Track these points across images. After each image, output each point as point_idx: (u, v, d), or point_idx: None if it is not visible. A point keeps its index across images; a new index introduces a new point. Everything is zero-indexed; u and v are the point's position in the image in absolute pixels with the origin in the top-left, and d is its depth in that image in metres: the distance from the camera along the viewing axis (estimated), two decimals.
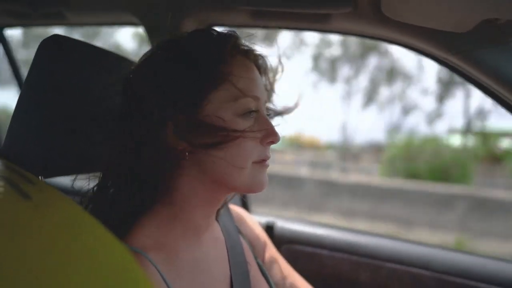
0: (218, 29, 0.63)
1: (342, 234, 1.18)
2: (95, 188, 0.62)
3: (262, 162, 0.61)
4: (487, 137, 12.65)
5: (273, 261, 0.82)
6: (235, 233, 0.75)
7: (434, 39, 0.81)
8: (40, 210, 0.41)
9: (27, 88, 0.64)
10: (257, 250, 0.80)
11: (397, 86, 15.61)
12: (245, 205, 1.30)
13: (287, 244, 1.16)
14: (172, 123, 0.57)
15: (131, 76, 0.64)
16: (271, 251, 0.84)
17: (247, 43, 0.63)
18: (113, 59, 0.79)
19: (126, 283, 0.35)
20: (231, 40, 0.61)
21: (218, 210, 0.70)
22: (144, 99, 0.58)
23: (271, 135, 0.60)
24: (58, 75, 0.65)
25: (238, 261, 0.69)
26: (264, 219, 1.23)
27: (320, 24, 0.93)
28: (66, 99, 0.66)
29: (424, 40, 0.82)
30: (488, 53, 0.78)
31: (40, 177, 0.62)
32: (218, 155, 0.56)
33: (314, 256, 1.14)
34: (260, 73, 0.66)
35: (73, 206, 0.42)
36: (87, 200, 0.62)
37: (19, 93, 0.66)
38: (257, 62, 0.65)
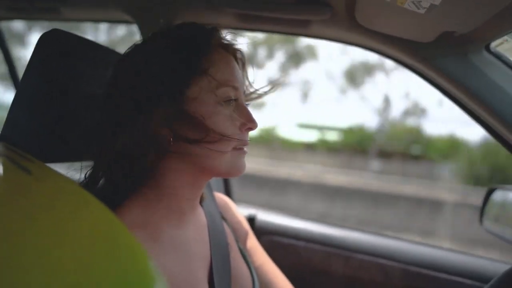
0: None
1: (317, 227, 1.25)
2: (87, 174, 0.67)
3: (241, 148, 0.66)
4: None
5: (252, 248, 0.87)
6: (218, 218, 0.80)
7: (402, 47, 0.89)
8: (41, 182, 0.45)
9: (26, 79, 0.68)
10: (239, 236, 0.85)
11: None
12: (229, 194, 1.37)
13: (267, 235, 1.23)
14: (158, 110, 0.60)
15: (119, 63, 0.68)
16: (252, 240, 0.89)
17: (227, 38, 0.69)
18: (109, 54, 0.84)
19: (121, 249, 0.38)
20: (214, 34, 0.66)
21: (202, 195, 0.75)
22: (131, 86, 0.62)
23: (249, 122, 0.66)
24: (56, 67, 0.69)
25: (219, 243, 0.74)
26: (246, 211, 1.29)
27: (300, 29, 1.00)
28: (63, 91, 0.70)
29: (394, 47, 0.90)
30: (449, 62, 0.86)
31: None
32: (197, 146, 0.61)
33: (291, 247, 1.21)
34: (238, 65, 0.71)
35: (69, 181, 0.47)
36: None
37: (19, 82, 0.70)
38: (235, 56, 0.70)
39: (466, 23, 0.73)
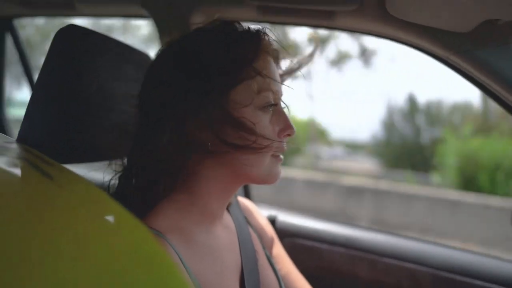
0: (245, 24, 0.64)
1: (340, 229, 1.20)
2: (118, 175, 0.65)
3: (278, 155, 0.63)
4: None
5: (278, 255, 0.84)
6: (245, 223, 0.77)
7: (436, 39, 0.83)
8: (63, 188, 0.42)
9: (43, 76, 0.66)
10: (265, 242, 0.82)
11: None
12: (248, 196, 1.32)
13: (289, 238, 1.18)
14: (204, 112, 0.57)
15: (157, 61, 0.65)
16: (277, 246, 0.86)
17: (272, 40, 0.64)
18: (127, 50, 0.81)
19: (147, 260, 0.35)
20: (264, 39, 0.62)
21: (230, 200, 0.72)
22: (173, 86, 0.59)
23: (288, 128, 0.62)
24: (73, 63, 0.67)
25: (248, 250, 0.71)
26: (266, 212, 1.25)
27: (325, 20, 0.95)
28: (81, 87, 0.68)
29: (427, 39, 0.84)
30: (488, 53, 0.80)
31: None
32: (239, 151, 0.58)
33: (314, 250, 1.16)
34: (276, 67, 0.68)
35: (92, 187, 0.44)
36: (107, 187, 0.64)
37: (36, 80, 0.68)
38: (274, 57, 0.67)
39: None
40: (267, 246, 0.82)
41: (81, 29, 0.69)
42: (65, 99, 0.66)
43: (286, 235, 1.19)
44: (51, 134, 0.66)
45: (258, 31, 0.63)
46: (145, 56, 0.88)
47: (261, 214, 0.89)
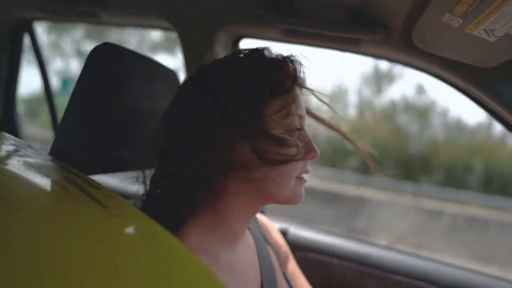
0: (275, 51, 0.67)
1: (351, 243, 1.23)
2: (146, 192, 0.66)
3: (301, 177, 0.66)
4: None
5: (293, 273, 0.86)
6: (263, 241, 0.79)
7: (459, 71, 0.86)
8: (120, 219, 0.44)
9: (78, 92, 0.68)
10: (281, 260, 0.84)
11: None
12: (261, 211, 1.35)
13: (300, 251, 1.21)
14: (239, 134, 0.59)
15: (189, 84, 0.67)
16: (292, 263, 0.88)
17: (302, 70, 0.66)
18: (157, 67, 0.84)
19: None
20: (296, 68, 0.65)
21: None
22: (208, 110, 0.61)
23: (311, 152, 0.65)
24: (107, 81, 0.69)
25: (268, 268, 0.73)
26: (278, 225, 1.28)
27: (350, 47, 0.98)
28: (115, 104, 0.70)
29: (450, 71, 0.88)
30: (508, 89, 0.83)
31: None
32: (269, 170, 0.60)
33: (324, 264, 1.19)
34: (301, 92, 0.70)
35: (144, 216, 0.46)
36: (138, 203, 0.66)
37: (70, 96, 0.70)
38: (300, 84, 0.70)
39: None
40: (283, 263, 0.85)
41: (115, 47, 0.72)
42: (99, 115, 0.68)
43: (297, 248, 1.22)
44: (84, 148, 0.68)
45: (290, 59, 0.65)
46: (172, 73, 0.90)
47: (276, 230, 0.91)
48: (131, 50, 0.76)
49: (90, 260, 0.35)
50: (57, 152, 0.67)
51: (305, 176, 0.67)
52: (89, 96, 0.68)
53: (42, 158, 0.62)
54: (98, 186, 0.52)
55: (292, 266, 0.88)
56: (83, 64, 0.70)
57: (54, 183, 0.52)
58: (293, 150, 0.61)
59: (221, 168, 0.61)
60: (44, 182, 0.51)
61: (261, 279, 0.70)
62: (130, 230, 0.43)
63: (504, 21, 0.59)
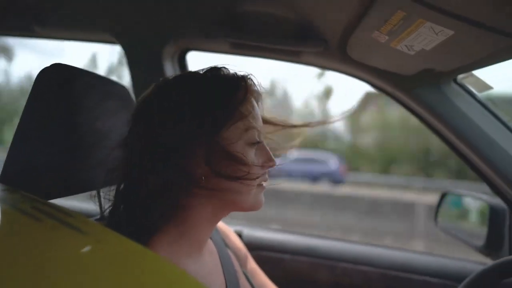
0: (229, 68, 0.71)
1: (302, 238, 1.32)
2: (108, 210, 0.66)
3: (261, 184, 0.71)
4: None
5: (253, 270, 0.91)
6: (223, 245, 0.83)
7: (387, 78, 1.00)
8: (103, 245, 0.43)
9: (28, 115, 0.66)
10: (240, 261, 0.88)
11: None
12: None
13: (255, 251, 1.27)
14: (199, 150, 0.62)
15: (146, 101, 0.68)
16: (250, 261, 0.93)
17: (256, 84, 0.72)
18: (108, 84, 0.83)
19: None
20: (251, 85, 0.70)
21: None
22: (165, 126, 0.62)
23: (270, 161, 0.71)
24: (59, 102, 0.68)
25: (230, 271, 0.77)
26: (232, 228, 1.33)
27: (292, 57, 1.07)
28: (68, 125, 0.69)
29: (379, 78, 1.01)
30: (425, 92, 0.99)
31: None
32: (232, 182, 0.64)
33: (278, 261, 1.27)
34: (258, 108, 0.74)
35: (123, 238, 0.45)
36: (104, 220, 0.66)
37: (20, 119, 0.67)
38: (257, 99, 0.74)
39: (444, 64, 0.86)
40: (243, 264, 0.89)
41: (64, 67, 0.71)
42: (54, 137, 0.67)
43: (252, 248, 1.28)
44: (36, 172, 0.66)
45: (244, 77, 0.70)
46: (124, 89, 0.90)
47: (233, 233, 0.94)
48: (81, 69, 0.75)
49: None
50: (8, 180, 0.65)
51: (264, 183, 0.72)
52: (41, 119, 0.66)
53: (1, 188, 0.59)
54: (70, 213, 0.49)
55: (251, 265, 0.93)
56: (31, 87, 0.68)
57: (22, 213, 0.50)
58: (248, 167, 0.64)
59: (182, 184, 0.63)
60: (10, 214, 0.49)
61: (226, 282, 0.74)
62: (117, 255, 0.42)
63: (421, 39, 0.72)
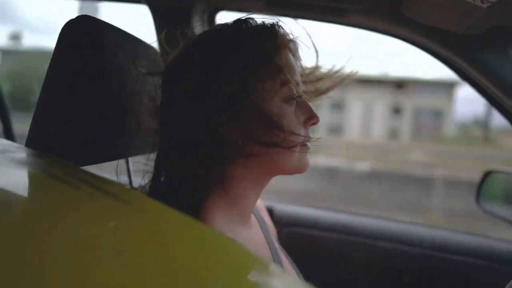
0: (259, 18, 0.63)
1: (335, 215, 1.26)
2: (150, 182, 0.63)
3: (305, 145, 0.64)
4: None
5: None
6: (263, 221, 0.79)
7: (443, 40, 0.89)
8: (149, 216, 0.39)
9: (53, 74, 0.60)
10: (273, 236, 0.84)
11: None
12: None
13: (287, 227, 1.21)
14: (231, 111, 0.57)
15: (177, 60, 0.63)
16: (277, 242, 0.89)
17: (290, 34, 0.64)
18: (138, 44, 0.76)
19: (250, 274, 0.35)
20: (282, 33, 0.62)
21: None
22: (198, 85, 0.58)
23: (313, 118, 0.64)
24: (84, 59, 0.62)
25: (272, 243, 0.73)
26: (263, 204, 1.27)
27: (336, 17, 0.96)
28: (93, 84, 0.63)
29: (434, 40, 0.90)
30: (487, 55, 0.87)
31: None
32: None
33: (311, 237, 1.21)
34: (295, 59, 0.68)
35: (168, 209, 0.41)
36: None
37: (44, 80, 0.60)
38: (292, 48, 0.67)
39: None
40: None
41: (91, 20, 0.63)
42: (77, 98, 0.61)
43: (284, 224, 1.23)
44: (63, 137, 0.61)
45: (272, 25, 0.62)
46: (154, 50, 0.83)
47: (264, 209, 0.91)
48: (110, 24, 0.67)
49: (144, 265, 0.31)
50: (34, 145, 0.59)
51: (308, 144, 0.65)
52: (66, 79, 0.60)
53: (29, 153, 0.54)
54: (109, 181, 0.45)
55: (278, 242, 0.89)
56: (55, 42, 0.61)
57: (56, 179, 0.45)
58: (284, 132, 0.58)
59: (221, 152, 0.59)
60: (42, 180, 0.45)
61: (272, 256, 0.70)
62: (163, 225, 0.39)
63: None
